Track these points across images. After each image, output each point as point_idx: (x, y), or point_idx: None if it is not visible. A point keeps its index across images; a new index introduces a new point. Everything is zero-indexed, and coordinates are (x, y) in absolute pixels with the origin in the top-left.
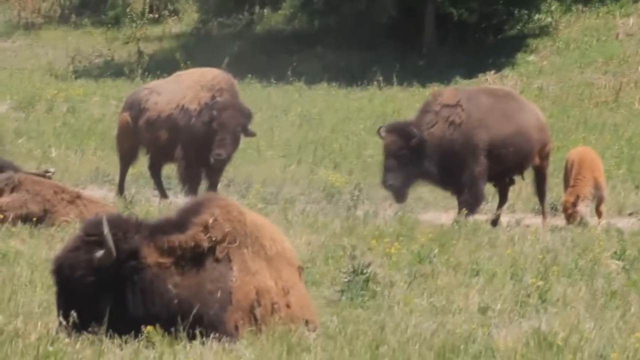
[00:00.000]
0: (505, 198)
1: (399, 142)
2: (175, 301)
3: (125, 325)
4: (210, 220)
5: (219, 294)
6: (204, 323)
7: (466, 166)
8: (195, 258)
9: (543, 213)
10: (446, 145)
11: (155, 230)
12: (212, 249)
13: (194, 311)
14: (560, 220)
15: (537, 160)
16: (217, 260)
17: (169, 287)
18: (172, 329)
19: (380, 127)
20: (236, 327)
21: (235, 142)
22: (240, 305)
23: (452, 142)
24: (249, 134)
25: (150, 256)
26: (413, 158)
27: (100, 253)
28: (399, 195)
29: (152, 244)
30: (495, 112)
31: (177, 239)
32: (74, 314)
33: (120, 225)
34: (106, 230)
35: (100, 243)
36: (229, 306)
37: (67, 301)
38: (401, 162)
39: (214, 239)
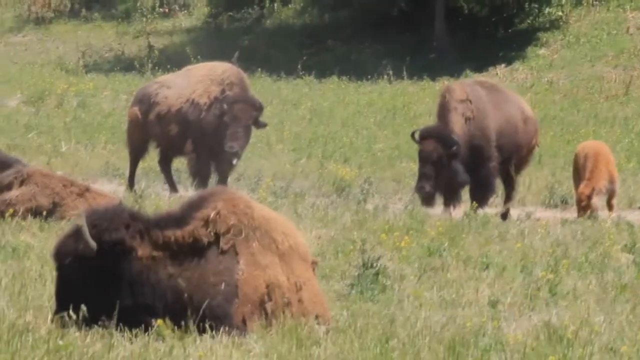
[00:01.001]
0: (511, 191)
1: (440, 149)
2: (169, 293)
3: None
4: (212, 214)
5: (222, 287)
6: (207, 315)
7: (482, 160)
8: (195, 251)
9: (506, 201)
10: (467, 141)
11: (152, 224)
12: (215, 241)
13: (194, 303)
14: (570, 214)
15: (523, 152)
16: (223, 253)
17: (162, 278)
18: (182, 323)
19: (415, 131)
20: (244, 321)
21: (247, 135)
22: (249, 299)
23: (471, 137)
24: (261, 125)
25: (142, 248)
26: (448, 163)
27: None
28: (430, 201)
29: (146, 236)
30: (491, 104)
31: (173, 234)
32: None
33: (108, 217)
34: (82, 222)
35: (105, 229)
36: (235, 299)
37: (59, 285)
38: (438, 168)
39: (216, 232)
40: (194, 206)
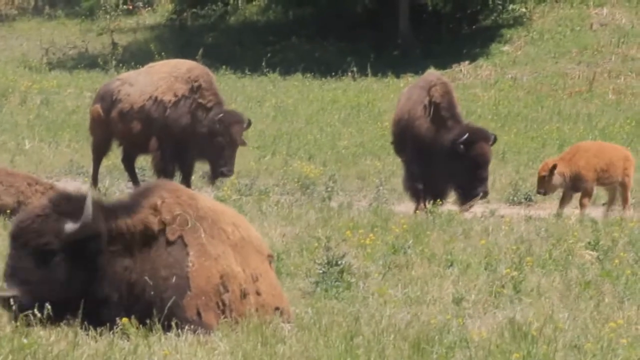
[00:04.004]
0: None
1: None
2: (126, 287)
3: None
4: (159, 202)
5: (174, 280)
6: (160, 309)
7: None
8: (146, 243)
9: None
10: None
11: (108, 214)
12: (162, 232)
13: (147, 297)
14: (534, 211)
15: None
16: (171, 244)
17: (120, 270)
18: (147, 321)
19: (459, 140)
20: (199, 313)
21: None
22: (202, 291)
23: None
24: (243, 143)
25: (107, 239)
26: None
27: (71, 225)
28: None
29: (106, 227)
30: None
31: (124, 223)
32: (21, 277)
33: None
34: (89, 203)
35: (72, 215)
36: (188, 292)
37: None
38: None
39: (163, 220)
40: (141, 195)
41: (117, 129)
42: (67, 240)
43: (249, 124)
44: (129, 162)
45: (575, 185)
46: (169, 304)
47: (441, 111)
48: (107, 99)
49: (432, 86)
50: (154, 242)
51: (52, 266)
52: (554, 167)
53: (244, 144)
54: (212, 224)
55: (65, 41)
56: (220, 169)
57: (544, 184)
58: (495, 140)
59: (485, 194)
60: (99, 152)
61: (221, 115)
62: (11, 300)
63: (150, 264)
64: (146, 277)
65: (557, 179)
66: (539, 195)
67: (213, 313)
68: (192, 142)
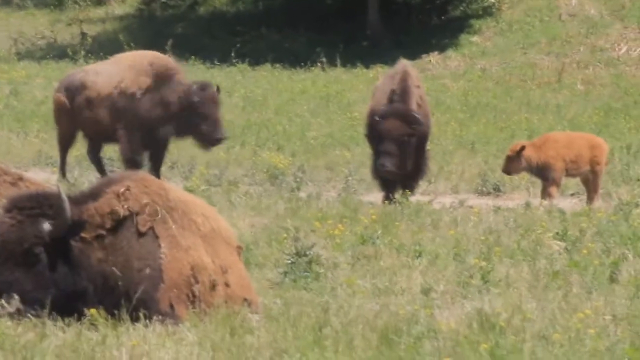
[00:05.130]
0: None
1: (403, 127)
2: (100, 278)
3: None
4: (122, 189)
5: (147, 272)
6: (133, 302)
7: (423, 148)
8: (116, 230)
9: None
10: (422, 127)
11: (74, 202)
12: (132, 222)
13: (121, 289)
14: (502, 201)
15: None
16: (142, 236)
17: (94, 263)
18: (115, 311)
19: (375, 113)
20: (171, 306)
21: None
22: (174, 283)
23: (424, 124)
24: None
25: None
26: (410, 145)
27: (47, 225)
28: (391, 182)
29: (76, 213)
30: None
31: (92, 207)
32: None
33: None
34: (64, 197)
35: (43, 214)
36: (161, 284)
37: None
38: (401, 148)
39: (129, 209)
40: (105, 184)
41: (82, 118)
42: (47, 239)
43: (218, 89)
44: (94, 153)
45: (543, 174)
46: (143, 297)
47: (394, 99)
48: (71, 89)
49: (394, 75)
50: (126, 232)
51: (40, 269)
52: (523, 148)
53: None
54: (183, 215)
55: (34, 31)
56: (213, 137)
57: (509, 164)
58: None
59: None
60: (65, 142)
61: (193, 87)
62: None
63: (124, 256)
64: (119, 269)
65: (523, 161)
66: (497, 166)
67: (184, 305)
68: (167, 129)
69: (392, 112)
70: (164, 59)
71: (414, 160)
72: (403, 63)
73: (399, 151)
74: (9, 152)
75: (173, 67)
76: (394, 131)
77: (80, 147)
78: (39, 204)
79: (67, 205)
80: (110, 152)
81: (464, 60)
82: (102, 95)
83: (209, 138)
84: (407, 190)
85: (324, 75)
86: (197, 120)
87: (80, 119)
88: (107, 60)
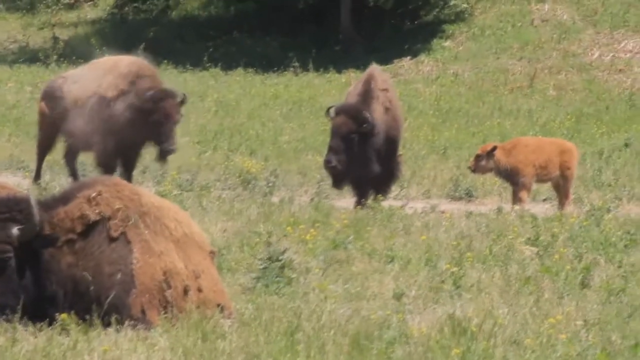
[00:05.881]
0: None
1: (351, 124)
2: (70, 283)
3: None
4: (93, 194)
5: (119, 277)
6: (105, 307)
7: (394, 150)
8: (87, 235)
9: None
10: (385, 131)
11: (45, 207)
12: (104, 227)
13: (92, 294)
14: (474, 206)
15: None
16: (114, 240)
17: (64, 268)
18: (87, 316)
19: (330, 107)
20: (143, 311)
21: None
22: (147, 288)
23: (388, 127)
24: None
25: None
26: (359, 144)
27: (16, 230)
28: (339, 179)
29: (47, 217)
30: (397, 94)
31: (62, 211)
32: None
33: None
34: (33, 202)
35: (11, 219)
36: (133, 289)
37: None
38: (348, 144)
39: (101, 213)
40: (76, 188)
41: (62, 126)
42: (16, 243)
43: (184, 99)
44: (70, 158)
45: (512, 179)
46: (115, 302)
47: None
48: (51, 96)
49: (362, 79)
50: (97, 237)
51: (9, 273)
52: (494, 148)
53: (178, 120)
54: (155, 219)
55: (6, 35)
56: (162, 146)
57: (478, 163)
58: None
59: None
60: (44, 148)
61: (151, 93)
62: None
63: (95, 261)
64: (90, 274)
65: (491, 162)
66: (468, 170)
67: (156, 310)
68: (135, 133)
69: (343, 109)
70: (140, 64)
71: (385, 164)
72: (371, 68)
73: (346, 148)
74: None
75: (148, 72)
76: (342, 127)
77: (52, 152)
78: (8, 209)
79: (36, 210)
80: (83, 156)
81: (436, 65)
82: (80, 103)
83: (159, 148)
84: (379, 194)
85: (296, 79)
86: (151, 128)
87: (59, 127)
88: (87, 65)
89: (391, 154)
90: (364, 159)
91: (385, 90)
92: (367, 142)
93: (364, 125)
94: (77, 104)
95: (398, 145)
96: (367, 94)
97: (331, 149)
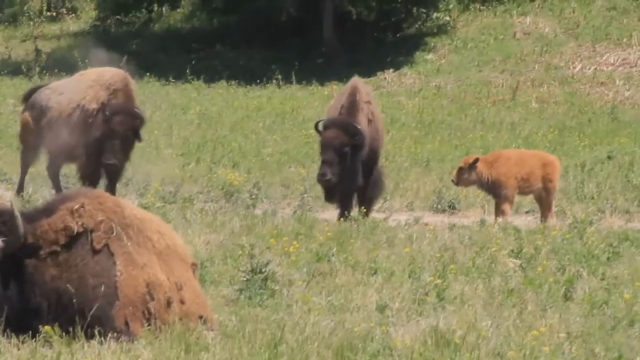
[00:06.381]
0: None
1: (342, 137)
2: (54, 295)
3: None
4: (76, 206)
5: (102, 289)
6: (88, 319)
7: (376, 162)
8: (71, 247)
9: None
10: (368, 144)
11: (28, 219)
12: (87, 239)
13: (76, 307)
14: (457, 218)
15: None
16: (97, 253)
17: (48, 280)
18: (70, 328)
19: (319, 122)
20: (126, 323)
21: (127, 147)
22: (130, 300)
23: (371, 139)
24: (140, 139)
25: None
26: (351, 154)
27: (0, 242)
28: (333, 193)
29: (30, 229)
30: (378, 106)
31: (46, 223)
32: None
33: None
34: (17, 214)
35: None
36: (116, 301)
37: None
38: (341, 157)
39: (84, 225)
40: (59, 201)
41: (46, 137)
42: (1, 255)
43: (142, 121)
44: (53, 170)
45: (494, 191)
46: (98, 314)
47: (342, 113)
48: (36, 107)
49: (345, 91)
50: (80, 249)
51: None
52: (476, 161)
53: (138, 139)
54: (138, 232)
55: None
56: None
57: (460, 176)
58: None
59: None
60: (28, 159)
61: (109, 106)
62: None
63: (78, 273)
64: (74, 286)
65: (474, 175)
66: (451, 183)
67: (139, 322)
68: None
69: (333, 122)
70: (123, 76)
71: (367, 176)
72: (354, 80)
73: (340, 161)
74: None
75: (121, 85)
76: (335, 140)
77: (35, 164)
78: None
79: (20, 222)
80: (66, 168)
81: (419, 78)
82: (64, 115)
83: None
84: (363, 207)
85: (279, 92)
86: (103, 136)
87: (44, 138)
88: (72, 77)
89: (373, 166)
90: (352, 171)
91: (368, 102)
92: (357, 154)
93: (356, 137)
94: (62, 116)
95: (379, 157)
96: (353, 106)
97: (325, 162)
